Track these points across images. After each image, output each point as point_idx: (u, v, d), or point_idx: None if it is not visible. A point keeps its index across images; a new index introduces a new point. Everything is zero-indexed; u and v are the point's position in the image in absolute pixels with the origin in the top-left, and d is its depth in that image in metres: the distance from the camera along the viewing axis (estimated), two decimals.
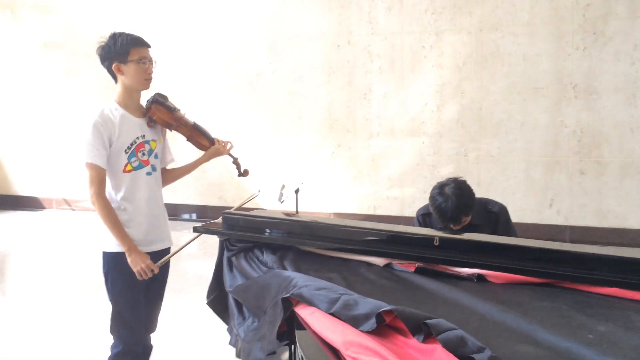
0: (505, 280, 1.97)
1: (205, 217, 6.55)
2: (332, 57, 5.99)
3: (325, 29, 5.98)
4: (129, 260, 2.38)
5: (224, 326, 2.67)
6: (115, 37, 2.39)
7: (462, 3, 5.47)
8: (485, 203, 2.96)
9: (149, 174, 2.48)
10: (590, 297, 1.84)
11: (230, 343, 2.53)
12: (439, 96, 5.62)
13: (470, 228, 2.84)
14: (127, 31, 2.44)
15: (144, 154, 2.45)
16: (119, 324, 2.50)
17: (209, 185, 6.66)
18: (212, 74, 6.44)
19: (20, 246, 5.99)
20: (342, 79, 5.98)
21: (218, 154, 2.72)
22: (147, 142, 2.47)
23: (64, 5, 7.00)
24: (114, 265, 2.46)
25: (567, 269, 1.92)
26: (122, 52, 2.37)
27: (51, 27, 7.07)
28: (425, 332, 1.48)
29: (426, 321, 1.47)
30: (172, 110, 2.51)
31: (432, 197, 2.76)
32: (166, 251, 2.60)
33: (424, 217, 3.07)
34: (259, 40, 6.24)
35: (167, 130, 2.64)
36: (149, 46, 2.45)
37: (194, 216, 6.83)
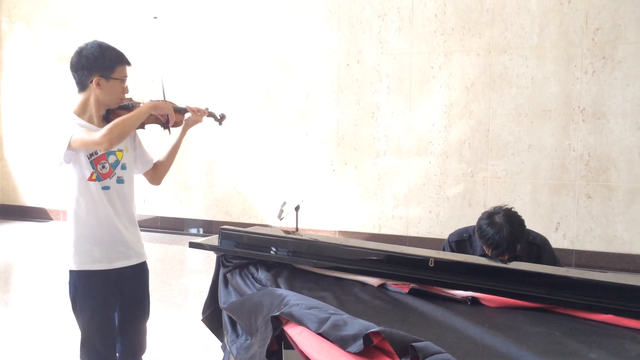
0: (499, 304, 1.94)
1: (212, 232, 6.56)
2: (341, 75, 6.02)
3: (335, 48, 6.02)
4: (159, 106, 2.33)
5: (218, 343, 2.66)
6: (102, 50, 2.27)
7: (471, 25, 5.49)
8: (527, 234, 2.76)
9: (106, 188, 2.32)
10: (585, 323, 1.81)
11: None
12: (446, 116, 5.62)
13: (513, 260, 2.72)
14: (112, 44, 2.33)
15: (104, 167, 2.31)
16: (89, 351, 2.35)
17: (216, 200, 6.69)
18: (220, 90, 6.49)
19: (25, 257, 6.02)
20: (350, 97, 6.00)
21: (195, 122, 2.53)
22: (112, 153, 2.33)
23: (79, 20, 7.11)
24: (81, 286, 2.31)
25: (562, 294, 1.89)
26: (108, 67, 2.25)
27: (65, 41, 7.17)
28: (412, 354, 1.46)
29: (413, 344, 1.45)
30: (129, 109, 2.36)
31: (481, 229, 2.58)
32: (135, 267, 2.45)
33: (457, 244, 2.90)
34: (269, 57, 6.29)
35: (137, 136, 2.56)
36: (129, 64, 2.35)
37: (201, 231, 6.84)
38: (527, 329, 1.76)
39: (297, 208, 2.73)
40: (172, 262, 5.64)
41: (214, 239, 2.52)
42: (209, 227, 6.74)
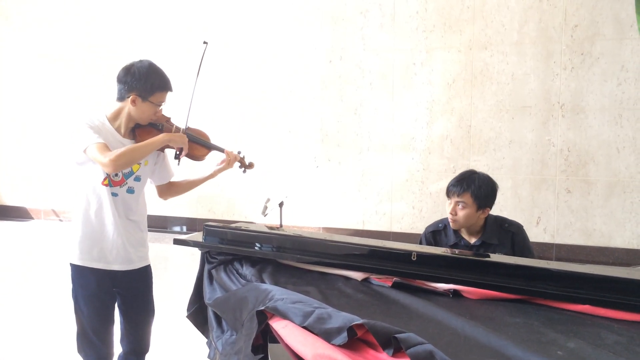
0: (479, 296, 1.98)
1: (195, 230, 6.54)
2: (324, 72, 6.03)
3: (318, 44, 6.03)
4: (174, 140, 2.39)
5: (204, 339, 2.67)
6: (149, 72, 2.37)
7: (452, 21, 5.54)
8: (501, 221, 2.91)
9: (114, 194, 2.42)
10: (563, 314, 1.85)
11: (209, 356, 2.52)
12: (428, 113, 5.66)
13: (485, 247, 2.81)
14: (161, 68, 2.43)
15: (117, 175, 2.41)
16: (83, 342, 2.47)
17: (199, 197, 6.67)
18: (204, 87, 6.47)
19: (5, 256, 5.96)
20: (333, 94, 6.02)
21: (223, 170, 2.75)
22: None
23: (61, 18, 7.03)
24: (76, 278, 2.46)
25: (540, 285, 1.93)
26: (149, 90, 2.36)
27: (46, 38, 7.10)
28: (395, 346, 1.49)
29: (396, 335, 1.48)
30: (158, 128, 2.49)
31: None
32: (131, 272, 2.56)
33: (433, 235, 3.04)
34: (251, 54, 6.28)
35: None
36: (171, 91, 2.46)
37: (184, 228, 6.82)
38: (507, 319, 1.80)
39: (281, 204, 2.74)
40: (156, 259, 5.60)
41: (198, 236, 2.54)
42: (192, 225, 6.72)
